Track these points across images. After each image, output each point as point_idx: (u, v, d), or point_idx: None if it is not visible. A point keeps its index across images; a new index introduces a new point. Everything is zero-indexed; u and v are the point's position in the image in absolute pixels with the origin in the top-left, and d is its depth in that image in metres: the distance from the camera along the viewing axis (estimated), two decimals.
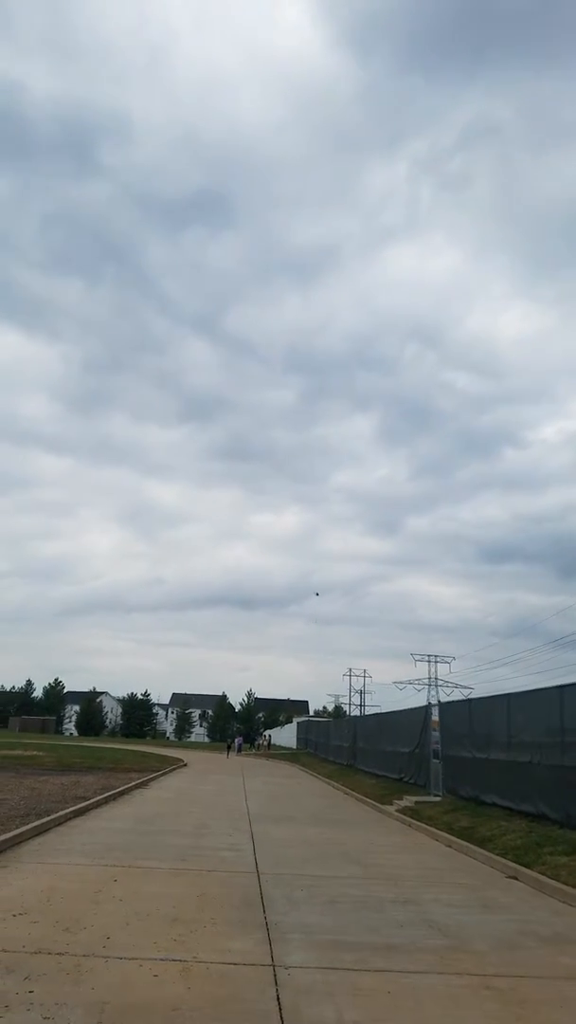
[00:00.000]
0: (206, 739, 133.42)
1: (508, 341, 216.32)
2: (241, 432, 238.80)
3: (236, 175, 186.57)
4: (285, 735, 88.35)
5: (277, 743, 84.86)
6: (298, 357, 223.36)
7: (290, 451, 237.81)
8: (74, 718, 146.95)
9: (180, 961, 7.73)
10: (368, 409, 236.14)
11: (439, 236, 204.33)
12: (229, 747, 75.26)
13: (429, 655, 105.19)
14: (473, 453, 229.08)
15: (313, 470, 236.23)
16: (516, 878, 12.79)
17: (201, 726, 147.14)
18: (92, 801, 20.34)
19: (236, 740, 79.76)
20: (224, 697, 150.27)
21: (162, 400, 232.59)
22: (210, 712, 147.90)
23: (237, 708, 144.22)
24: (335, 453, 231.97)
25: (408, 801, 23.49)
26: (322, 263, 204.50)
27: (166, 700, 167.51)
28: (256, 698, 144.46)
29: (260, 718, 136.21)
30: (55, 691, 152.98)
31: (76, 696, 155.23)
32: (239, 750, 73.11)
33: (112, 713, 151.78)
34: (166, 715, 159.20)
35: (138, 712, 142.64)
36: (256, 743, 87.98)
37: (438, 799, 23.34)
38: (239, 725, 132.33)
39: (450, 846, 15.93)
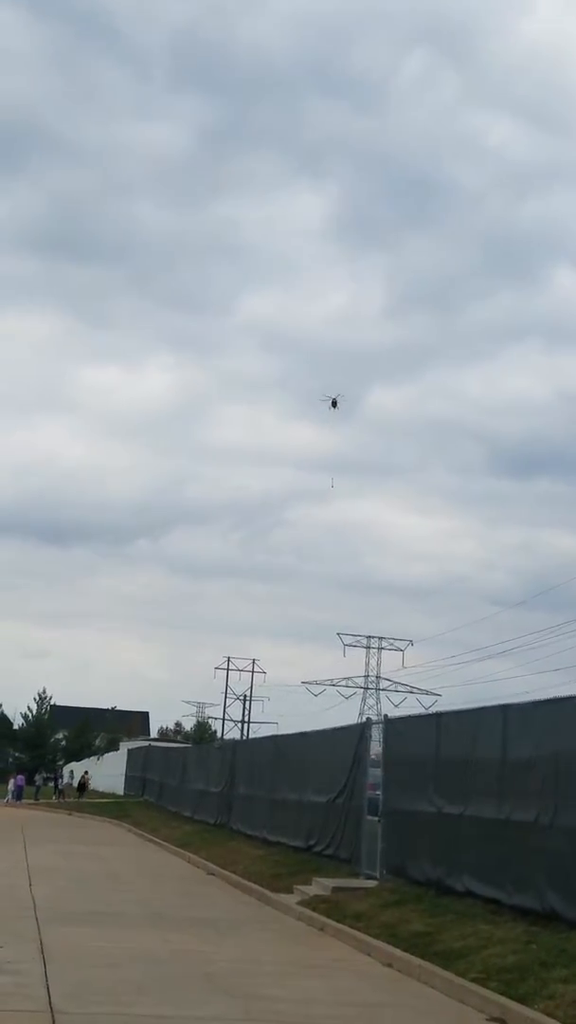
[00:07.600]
0: None
1: None
2: (73, 201, 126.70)
3: None
4: (105, 771, 60.88)
5: (92, 785, 58.56)
6: (200, 60, 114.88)
7: (166, 246, 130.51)
8: None
9: None
10: (323, 174, 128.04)
11: None
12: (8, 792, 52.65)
13: (369, 636, 74.00)
14: (503, 273, 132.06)
15: (206, 287, 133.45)
16: (504, 1022, 9.82)
17: None
18: None
19: (15, 779, 55.20)
20: None
21: None
22: None
23: (18, 723, 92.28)
24: (252, 256, 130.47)
25: (322, 887, 17.80)
26: None
27: None
28: (55, 705, 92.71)
29: (61, 741, 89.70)
30: None
31: None
32: (18, 796, 52.55)
33: None
34: None
35: None
36: (56, 785, 60.38)
37: (374, 883, 17.61)
38: (19, 754, 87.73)
39: (391, 965, 12.97)
